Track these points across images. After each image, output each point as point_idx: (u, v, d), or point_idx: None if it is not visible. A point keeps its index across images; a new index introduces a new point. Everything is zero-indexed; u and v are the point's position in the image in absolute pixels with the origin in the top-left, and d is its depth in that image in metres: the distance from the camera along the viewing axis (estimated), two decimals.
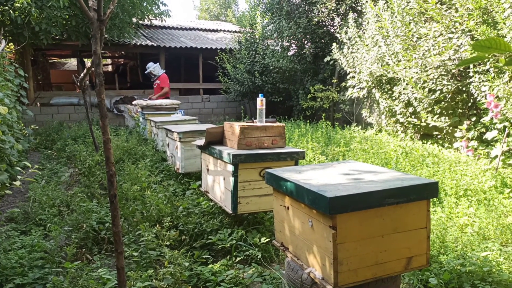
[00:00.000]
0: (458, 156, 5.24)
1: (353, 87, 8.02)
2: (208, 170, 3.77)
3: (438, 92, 5.89)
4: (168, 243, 2.92)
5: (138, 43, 11.59)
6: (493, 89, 4.77)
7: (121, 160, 5.53)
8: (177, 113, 7.88)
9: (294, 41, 10.55)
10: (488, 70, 5.07)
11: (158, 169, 5.24)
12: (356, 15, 8.67)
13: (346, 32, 8.10)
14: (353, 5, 9.23)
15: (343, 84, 8.67)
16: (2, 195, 4.54)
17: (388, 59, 6.60)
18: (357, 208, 1.83)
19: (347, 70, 8.08)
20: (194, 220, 3.29)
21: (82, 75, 5.41)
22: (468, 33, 5.35)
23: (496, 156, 4.69)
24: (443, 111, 6.03)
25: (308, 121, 9.44)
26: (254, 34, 11.57)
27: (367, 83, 7.45)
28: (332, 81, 9.50)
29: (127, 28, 10.35)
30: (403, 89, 6.50)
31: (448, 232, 3.13)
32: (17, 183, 3.65)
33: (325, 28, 9.96)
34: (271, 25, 11.04)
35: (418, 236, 2.02)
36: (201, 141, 3.82)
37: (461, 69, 5.79)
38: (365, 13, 7.53)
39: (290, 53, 10.53)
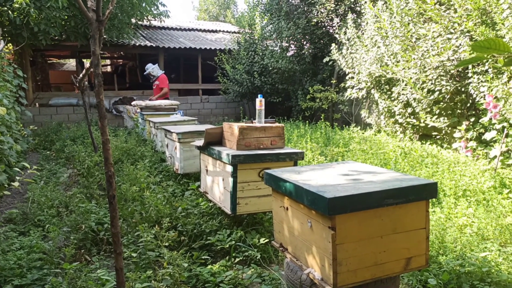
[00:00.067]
0: (457, 156, 5.24)
1: (352, 87, 8.03)
2: (207, 170, 3.77)
3: (437, 92, 5.89)
4: (167, 244, 2.91)
5: (137, 44, 11.59)
6: (492, 90, 4.77)
7: (120, 161, 5.52)
8: (176, 113, 7.88)
9: (293, 42, 10.55)
10: (487, 71, 5.08)
11: (157, 169, 5.23)
12: (355, 15, 8.68)
13: (345, 33, 8.10)
14: (352, 5, 9.25)
15: (342, 84, 8.68)
16: (0, 196, 4.53)
17: (387, 60, 6.61)
18: (356, 209, 1.83)
19: (346, 70, 8.09)
20: (193, 221, 3.29)
21: (81, 75, 5.40)
22: (467, 34, 5.36)
23: (495, 157, 4.70)
24: (442, 112, 6.04)
25: (307, 121, 9.45)
26: (253, 34, 11.57)
27: (366, 84, 7.46)
28: (331, 81, 9.51)
29: (126, 29, 10.34)
30: (402, 89, 6.51)
31: (447, 233, 3.13)
32: (16, 184, 3.64)
33: (324, 28, 9.97)
34: (270, 25, 11.04)
35: (417, 236, 2.02)
36: (200, 142, 3.81)
37: (460, 69, 5.80)
38: (364, 14, 7.55)
39: (289, 54, 10.54)
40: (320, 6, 9.49)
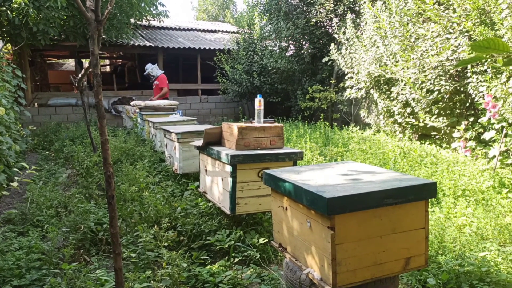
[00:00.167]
0: (456, 156, 5.25)
1: (351, 87, 8.03)
2: (206, 170, 3.76)
3: (436, 92, 5.90)
4: (166, 244, 2.91)
5: (136, 44, 11.58)
6: (491, 90, 4.78)
7: (119, 161, 5.52)
8: (175, 113, 7.88)
9: (292, 42, 10.55)
10: (486, 71, 5.08)
11: (156, 170, 5.23)
12: (354, 15, 8.69)
13: (344, 33, 8.11)
14: (351, 5, 9.25)
15: (341, 84, 8.68)
16: None
17: (386, 60, 6.61)
18: (355, 209, 1.82)
19: (345, 70, 8.09)
20: (192, 221, 3.29)
21: (80, 75, 5.39)
22: (466, 34, 5.36)
23: (494, 156, 4.70)
24: (441, 112, 6.04)
25: (306, 121, 9.45)
26: (252, 34, 11.57)
27: (365, 84, 7.46)
28: (330, 81, 9.51)
29: (125, 29, 10.34)
30: (401, 89, 6.51)
31: (446, 233, 3.13)
32: (15, 184, 3.63)
33: (323, 28, 9.97)
34: (269, 25, 11.04)
35: (416, 236, 2.02)
36: (199, 142, 3.81)
37: (459, 69, 5.81)
38: (363, 14, 7.55)
39: (288, 54, 10.54)
40: (319, 6, 9.50)
